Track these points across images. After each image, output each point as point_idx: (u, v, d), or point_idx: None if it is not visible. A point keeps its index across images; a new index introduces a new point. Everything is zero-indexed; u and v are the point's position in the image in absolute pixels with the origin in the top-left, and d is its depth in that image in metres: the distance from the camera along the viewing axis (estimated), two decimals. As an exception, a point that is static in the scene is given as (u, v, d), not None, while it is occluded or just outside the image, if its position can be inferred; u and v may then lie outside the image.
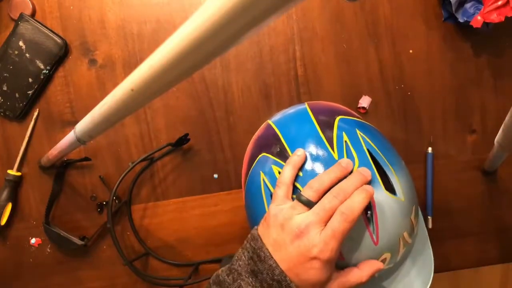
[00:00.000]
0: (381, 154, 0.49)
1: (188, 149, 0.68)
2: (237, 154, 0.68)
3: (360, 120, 0.54)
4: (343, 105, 0.68)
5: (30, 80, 0.66)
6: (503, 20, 0.61)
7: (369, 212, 0.46)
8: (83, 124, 0.46)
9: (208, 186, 0.69)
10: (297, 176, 0.47)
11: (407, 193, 0.49)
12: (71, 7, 0.67)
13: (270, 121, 0.57)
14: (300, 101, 0.68)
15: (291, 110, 0.57)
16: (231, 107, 0.68)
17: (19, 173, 0.67)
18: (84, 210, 0.69)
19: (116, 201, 0.67)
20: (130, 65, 0.68)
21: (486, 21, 0.62)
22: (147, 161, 0.67)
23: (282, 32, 0.68)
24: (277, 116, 0.57)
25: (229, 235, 0.68)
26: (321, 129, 0.50)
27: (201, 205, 0.69)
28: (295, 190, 0.47)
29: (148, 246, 0.68)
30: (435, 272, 0.70)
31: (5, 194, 0.66)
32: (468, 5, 0.63)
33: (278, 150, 0.51)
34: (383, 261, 0.47)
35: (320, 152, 0.48)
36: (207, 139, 0.68)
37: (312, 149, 0.49)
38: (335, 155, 0.48)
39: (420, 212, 0.57)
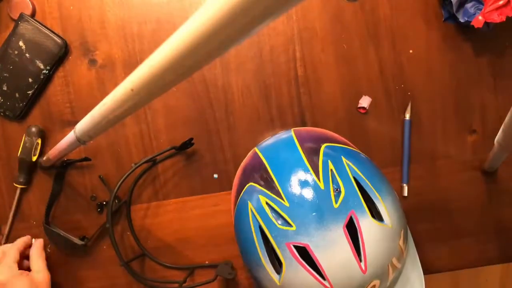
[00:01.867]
0: (368, 181, 0.50)
1: (192, 153, 0.68)
2: (237, 154, 0.68)
3: (347, 147, 0.55)
4: (343, 105, 0.68)
5: (30, 80, 0.66)
6: (504, 20, 0.61)
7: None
8: (83, 124, 0.46)
9: (208, 186, 0.69)
10: (285, 207, 0.48)
11: (394, 219, 0.49)
12: (71, 7, 0.67)
13: (257, 149, 0.57)
14: (300, 101, 0.68)
15: (277, 137, 0.57)
16: (231, 107, 0.68)
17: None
18: (84, 210, 0.69)
19: (116, 201, 0.67)
20: (130, 65, 0.68)
21: (487, 21, 0.62)
22: (149, 162, 0.67)
23: (282, 32, 0.68)
24: (264, 143, 0.58)
25: (229, 235, 0.68)
26: (306, 157, 0.51)
27: (201, 205, 0.69)
28: (285, 222, 0.48)
29: (148, 246, 0.68)
30: (435, 272, 0.70)
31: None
32: (468, 5, 0.63)
33: (265, 179, 0.51)
34: (373, 287, 0.47)
35: (307, 181, 0.49)
36: (207, 139, 0.68)
37: (298, 177, 0.49)
38: (321, 184, 0.48)
39: (409, 235, 0.57)
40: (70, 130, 0.50)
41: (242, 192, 0.54)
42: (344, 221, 0.46)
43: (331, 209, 0.47)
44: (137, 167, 0.64)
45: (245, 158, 0.59)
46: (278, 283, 0.49)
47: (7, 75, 0.66)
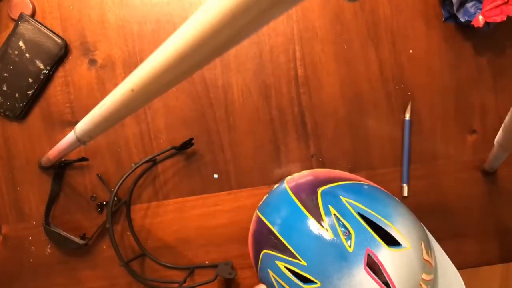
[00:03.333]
0: (372, 212, 0.50)
1: (192, 153, 0.68)
2: (237, 154, 0.68)
3: (342, 183, 0.55)
4: (343, 105, 0.68)
5: (30, 80, 0.66)
6: (505, 19, 0.61)
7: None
8: (83, 124, 0.46)
9: (208, 186, 0.69)
10: (303, 266, 0.48)
11: (411, 237, 0.49)
12: (71, 7, 0.67)
13: (259, 212, 0.57)
14: (300, 101, 0.68)
15: (274, 195, 0.57)
16: (231, 107, 0.68)
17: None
18: (84, 210, 0.69)
19: (116, 200, 0.67)
20: (130, 65, 0.68)
21: (488, 21, 0.61)
22: (149, 162, 0.67)
23: (282, 32, 0.68)
24: (264, 204, 0.58)
25: (229, 235, 0.68)
26: (307, 210, 0.51)
27: (201, 205, 0.69)
28: (308, 281, 0.47)
29: (148, 246, 0.68)
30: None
31: None
32: (469, 5, 0.63)
33: (276, 244, 0.52)
34: None
35: (315, 235, 0.49)
36: (207, 139, 0.68)
37: (307, 233, 0.49)
38: (330, 233, 0.48)
39: (431, 241, 0.56)
40: (70, 130, 0.50)
41: (259, 262, 0.54)
42: (363, 262, 0.46)
43: (347, 255, 0.47)
44: (137, 167, 0.64)
45: (251, 224, 0.59)
46: None
47: (7, 75, 0.66)
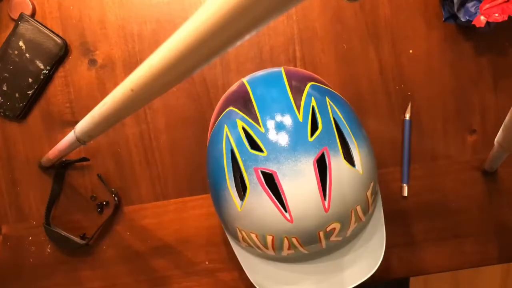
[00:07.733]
0: (347, 125, 0.50)
1: (192, 153, 0.68)
2: (237, 154, 0.68)
3: (333, 91, 0.55)
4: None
5: (30, 80, 0.66)
6: (506, 19, 0.61)
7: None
8: (83, 124, 0.46)
9: (208, 186, 0.68)
10: (260, 132, 0.48)
11: (366, 167, 0.49)
12: (71, 7, 0.67)
13: (244, 80, 0.56)
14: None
15: (266, 71, 0.57)
16: (231, 107, 0.68)
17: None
18: (84, 210, 0.69)
19: (116, 199, 0.67)
20: (130, 65, 0.68)
21: (489, 20, 0.61)
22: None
23: (282, 32, 0.68)
24: (253, 75, 0.57)
25: (229, 235, 0.68)
26: (291, 91, 0.50)
27: (201, 205, 0.69)
28: (257, 147, 0.47)
29: (148, 246, 0.68)
30: (435, 272, 0.70)
31: None
32: (469, 5, 0.63)
33: (246, 106, 0.51)
34: (332, 230, 0.47)
35: (286, 112, 0.49)
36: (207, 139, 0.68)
37: (278, 107, 0.49)
38: (300, 117, 0.48)
39: (379, 196, 0.56)
40: (70, 130, 0.50)
41: (221, 116, 0.53)
42: (315, 155, 0.46)
43: (305, 141, 0.46)
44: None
45: (231, 87, 0.58)
46: (239, 209, 0.49)
47: (7, 75, 0.66)
